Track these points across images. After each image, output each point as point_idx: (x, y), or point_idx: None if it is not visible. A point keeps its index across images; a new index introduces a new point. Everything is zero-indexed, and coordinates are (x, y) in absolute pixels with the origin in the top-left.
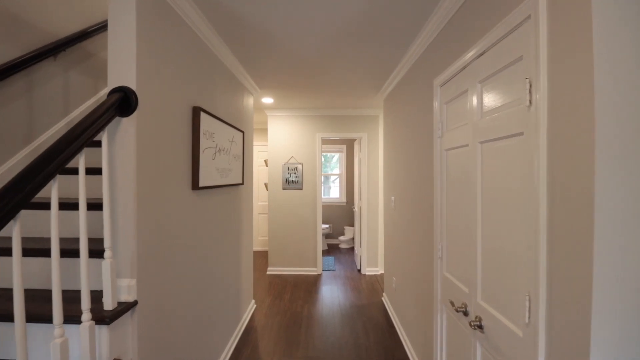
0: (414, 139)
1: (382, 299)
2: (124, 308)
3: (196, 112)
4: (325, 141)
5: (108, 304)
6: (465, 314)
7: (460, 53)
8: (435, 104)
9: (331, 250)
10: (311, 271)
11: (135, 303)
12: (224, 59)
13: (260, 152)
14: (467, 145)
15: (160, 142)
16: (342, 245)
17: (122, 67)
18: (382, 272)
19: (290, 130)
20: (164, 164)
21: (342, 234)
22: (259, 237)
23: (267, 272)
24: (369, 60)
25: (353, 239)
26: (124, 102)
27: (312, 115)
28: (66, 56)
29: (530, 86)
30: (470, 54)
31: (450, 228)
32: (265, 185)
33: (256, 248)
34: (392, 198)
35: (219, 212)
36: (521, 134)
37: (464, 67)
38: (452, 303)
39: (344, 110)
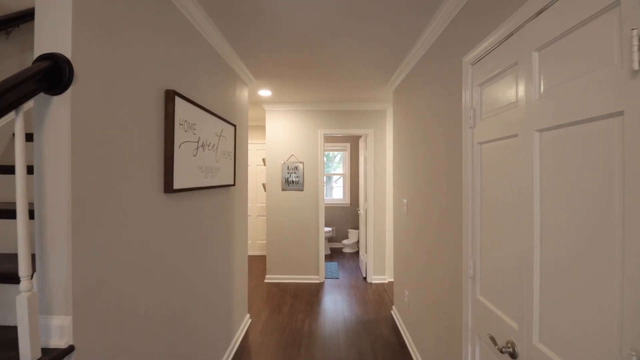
0: (433, 133)
1: (392, 312)
2: (53, 358)
3: (170, 96)
4: (327, 139)
5: (26, 355)
6: (513, 355)
7: (501, 18)
8: (465, 88)
9: (334, 254)
10: (313, 279)
11: (70, 349)
12: (210, 39)
13: (258, 150)
14: (515, 136)
15: (115, 132)
16: (346, 250)
17: (52, 29)
18: (390, 280)
19: (290, 126)
20: (121, 161)
21: (346, 237)
22: (257, 240)
23: (265, 280)
24: (379, 42)
25: (357, 242)
26: (53, 74)
27: (313, 110)
28: (22, 35)
29: None
30: (518, 17)
31: (488, 241)
32: (264, 186)
33: (255, 253)
34: (404, 201)
35: (203, 219)
36: (620, 113)
37: (510, 35)
38: (492, 339)
39: (349, 105)
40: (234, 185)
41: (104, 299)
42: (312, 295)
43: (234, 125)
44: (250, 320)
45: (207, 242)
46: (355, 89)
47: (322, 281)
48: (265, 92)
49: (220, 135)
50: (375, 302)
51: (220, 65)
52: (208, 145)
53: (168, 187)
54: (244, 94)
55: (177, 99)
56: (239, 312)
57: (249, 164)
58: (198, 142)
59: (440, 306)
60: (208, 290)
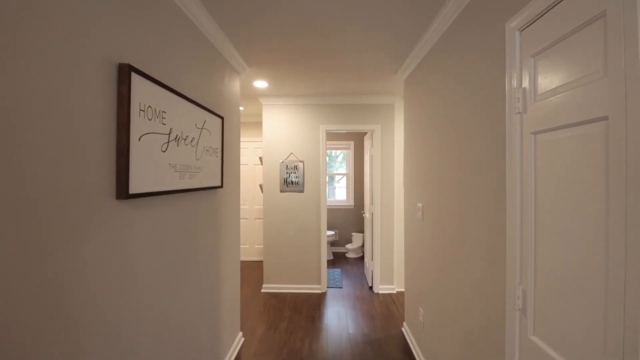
0: (459, 126)
1: (403, 330)
2: None
3: (124, 72)
4: (329, 137)
5: None
6: None
7: None
8: (511, 61)
9: (337, 260)
10: (314, 289)
11: None
12: (190, 14)
13: (256, 149)
14: (602, 119)
15: (36, 119)
16: (350, 255)
17: None
18: (399, 290)
19: (289, 122)
20: (44, 158)
21: (350, 241)
22: (255, 245)
23: (262, 290)
24: (389, 21)
25: (362, 247)
26: None
27: (315, 104)
28: None
29: None
30: None
31: (547, 263)
32: (261, 186)
33: (252, 258)
34: (419, 205)
35: (179, 228)
36: None
37: None
38: None
39: (353, 98)
40: (221, 187)
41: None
42: (313, 307)
43: (221, 118)
44: (243, 339)
45: (185, 255)
46: (360, 79)
47: (324, 291)
48: (261, 84)
49: (202, 128)
50: (383, 316)
51: (203, 46)
52: (185, 140)
53: (122, 191)
54: (234, 83)
55: (136, 77)
56: (229, 332)
57: (245, 163)
58: (169, 134)
59: (467, 337)
60: (187, 312)
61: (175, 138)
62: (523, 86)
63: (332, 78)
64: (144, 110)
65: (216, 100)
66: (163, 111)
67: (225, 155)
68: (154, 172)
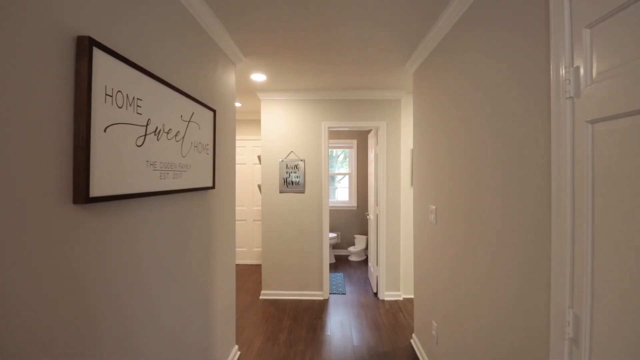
0: (483, 116)
1: (412, 342)
2: None
3: (83, 46)
4: (331, 135)
5: None
6: None
7: None
8: (557, 36)
9: (339, 263)
10: (315, 295)
11: None
12: None
13: (255, 147)
14: None
15: None
16: (353, 258)
17: None
18: (405, 297)
19: (289, 118)
20: None
21: (352, 243)
22: (254, 248)
23: (261, 297)
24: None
25: (365, 249)
26: None
27: (316, 100)
28: None
29: None
30: None
31: (612, 285)
32: (259, 187)
33: (251, 261)
34: (432, 207)
35: (160, 237)
36: None
37: None
38: None
39: (357, 93)
40: (213, 187)
41: None
42: (315, 316)
43: (213, 111)
44: (239, 352)
45: (169, 266)
46: (365, 72)
47: (326, 298)
48: (259, 77)
49: (189, 121)
50: (390, 326)
51: (193, 31)
52: (167, 133)
53: (80, 194)
54: (229, 74)
55: (101, 55)
56: (223, 346)
57: (243, 162)
58: (147, 126)
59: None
60: (174, 329)
61: (155, 131)
62: (575, 65)
63: (334, 71)
64: (111, 96)
65: (207, 91)
66: (138, 98)
67: (218, 152)
68: (125, 170)
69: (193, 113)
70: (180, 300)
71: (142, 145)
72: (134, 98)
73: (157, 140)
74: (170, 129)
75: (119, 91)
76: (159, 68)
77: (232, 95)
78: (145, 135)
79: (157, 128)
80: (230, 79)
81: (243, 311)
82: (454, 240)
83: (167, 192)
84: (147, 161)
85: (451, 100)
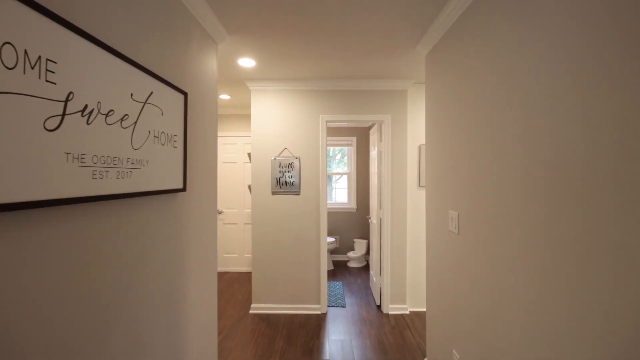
0: (532, 99)
1: None
2: None
3: None
4: (328, 132)
5: None
6: None
7: None
8: None
9: (338, 270)
10: (312, 309)
11: None
12: None
13: (246, 144)
14: None
15: None
16: (352, 264)
17: None
18: (412, 310)
19: (282, 111)
20: None
21: (352, 248)
22: (245, 254)
23: (251, 311)
24: None
25: (365, 254)
26: None
27: (313, 91)
28: None
29: None
30: None
31: None
32: (249, 188)
33: (241, 269)
34: (453, 214)
35: (95, 261)
36: None
37: None
38: None
39: (359, 83)
40: (183, 189)
41: None
42: (311, 335)
43: (184, 93)
44: None
45: (108, 299)
46: (370, 56)
47: (324, 312)
48: (247, 62)
49: (145, 102)
50: (397, 347)
51: None
52: (107, 115)
53: None
54: (209, 54)
55: None
56: None
57: (233, 161)
58: (66, 101)
59: None
60: None
61: (84, 111)
62: None
63: (334, 55)
64: None
65: (176, 68)
66: (50, 60)
67: (191, 146)
68: (19, 166)
69: (151, 93)
70: (130, 339)
71: (56, 129)
72: (39, 58)
73: (88, 123)
74: (111, 110)
75: (6, 42)
76: (96, 26)
77: (213, 80)
78: (64, 115)
79: (86, 107)
80: (209, 60)
81: (230, 329)
82: (486, 256)
83: (105, 197)
84: (68, 153)
85: (477, 84)
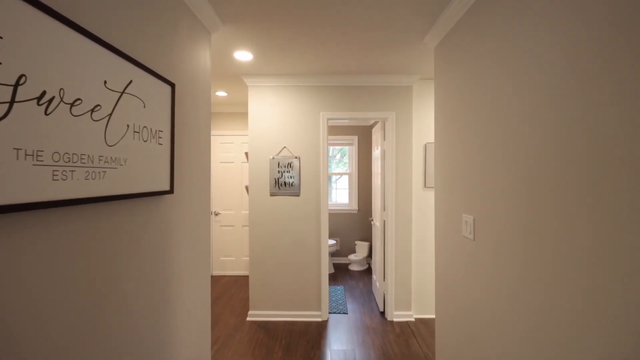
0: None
1: None
2: None
3: None
4: (328, 131)
5: None
6: None
7: None
8: None
9: (339, 273)
10: (313, 316)
11: None
12: None
13: (244, 144)
14: None
15: None
16: (353, 267)
17: None
18: (418, 317)
19: (281, 108)
20: None
21: (353, 251)
22: (242, 257)
23: (248, 319)
24: None
25: (367, 257)
26: None
27: (313, 86)
28: None
29: None
30: None
31: None
32: (247, 188)
33: (239, 272)
34: (468, 219)
35: (68, 277)
36: None
37: None
38: None
39: (362, 79)
40: (170, 191)
41: None
42: (312, 344)
43: (171, 85)
44: None
45: (83, 330)
46: (373, 50)
47: (325, 319)
48: (244, 55)
49: (123, 92)
50: (403, 357)
51: None
52: (73, 105)
53: None
54: (201, 43)
55: None
56: None
57: (231, 161)
58: (16, 85)
59: None
60: None
61: (40, 98)
62: None
63: (336, 48)
64: None
65: (162, 56)
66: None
67: (180, 143)
68: None
69: (130, 82)
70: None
71: (1, 119)
72: None
73: (47, 114)
74: (78, 100)
75: None
76: (69, 5)
77: (206, 72)
78: (13, 102)
79: (44, 94)
80: (201, 50)
81: (226, 338)
82: (507, 267)
83: (69, 202)
84: (18, 149)
85: (496, 79)
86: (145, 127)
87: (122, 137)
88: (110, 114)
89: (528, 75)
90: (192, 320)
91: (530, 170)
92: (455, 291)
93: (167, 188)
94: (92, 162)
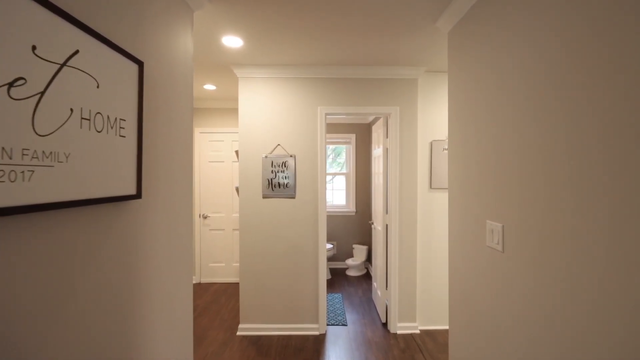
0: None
1: None
2: None
3: None
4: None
5: None
6: None
7: None
8: None
9: (336, 279)
10: (309, 329)
11: None
12: None
13: (235, 141)
14: None
15: None
16: (351, 273)
17: None
18: (423, 328)
19: (275, 102)
20: None
21: (350, 255)
22: (233, 263)
23: (238, 333)
24: None
25: (365, 262)
26: None
27: (310, 79)
28: None
29: None
30: None
31: None
32: (237, 190)
33: (230, 279)
34: (495, 226)
35: None
36: None
37: None
38: None
39: (363, 70)
40: (137, 196)
41: None
42: None
43: (139, 63)
44: None
45: None
46: (377, 37)
47: (322, 332)
48: (233, 41)
49: (64, 65)
50: None
51: None
52: None
53: None
54: (180, 18)
55: None
56: None
57: (221, 160)
58: None
59: None
60: None
61: None
62: None
63: (336, 33)
64: None
65: (126, 26)
66: None
67: (152, 136)
68: None
69: (77, 51)
70: None
71: None
72: None
73: None
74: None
75: None
76: None
77: (186, 53)
78: None
79: None
80: (182, 28)
81: (213, 357)
82: (551, 288)
83: None
84: None
85: (529, 63)
86: (99, 113)
87: (63, 124)
88: (43, 92)
89: (567, 65)
90: (170, 340)
91: (580, 174)
92: (475, 312)
93: (133, 192)
94: (13, 158)
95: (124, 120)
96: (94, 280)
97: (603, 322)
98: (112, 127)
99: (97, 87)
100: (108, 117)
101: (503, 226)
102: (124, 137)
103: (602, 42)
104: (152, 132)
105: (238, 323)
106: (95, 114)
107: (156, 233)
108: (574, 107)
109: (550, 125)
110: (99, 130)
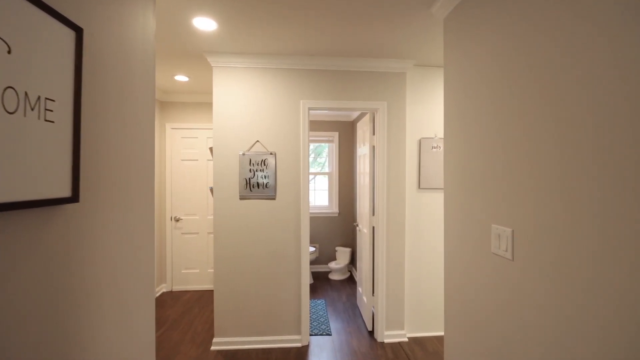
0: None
1: None
2: None
3: None
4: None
5: None
6: None
7: None
8: None
9: (318, 284)
10: (291, 341)
11: None
12: None
13: (209, 138)
14: None
15: None
16: (334, 276)
17: None
18: (412, 335)
19: (253, 94)
20: None
21: (333, 258)
22: (208, 269)
23: (212, 348)
24: None
25: (349, 264)
26: None
27: (292, 70)
28: None
29: None
30: None
31: None
32: (211, 190)
33: (204, 286)
34: (504, 231)
35: None
36: None
37: None
38: None
39: (349, 62)
40: (73, 199)
41: None
42: None
43: (76, 29)
44: None
45: None
46: (365, 24)
47: (305, 344)
48: (206, 23)
49: None
50: None
51: None
52: None
53: None
54: None
55: None
56: None
57: (194, 158)
58: None
59: None
60: None
61: None
62: None
63: (320, 18)
64: None
65: None
66: None
67: (96, 123)
68: None
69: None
70: None
71: None
72: None
73: None
74: None
75: None
76: None
77: (145, 28)
78: None
79: None
80: None
81: None
82: (569, 296)
83: None
84: None
85: (541, 51)
86: (11, 87)
87: None
88: None
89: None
90: None
91: (607, 172)
92: (477, 324)
93: (67, 194)
94: None
95: (53, 100)
96: (9, 314)
97: (632, 340)
98: (33, 108)
99: (9, 52)
100: (26, 93)
101: (513, 231)
102: (54, 122)
103: (629, 14)
104: (96, 120)
105: (212, 336)
106: (5, 89)
107: (102, 243)
108: (600, 94)
109: (570, 115)
110: (11, 111)
